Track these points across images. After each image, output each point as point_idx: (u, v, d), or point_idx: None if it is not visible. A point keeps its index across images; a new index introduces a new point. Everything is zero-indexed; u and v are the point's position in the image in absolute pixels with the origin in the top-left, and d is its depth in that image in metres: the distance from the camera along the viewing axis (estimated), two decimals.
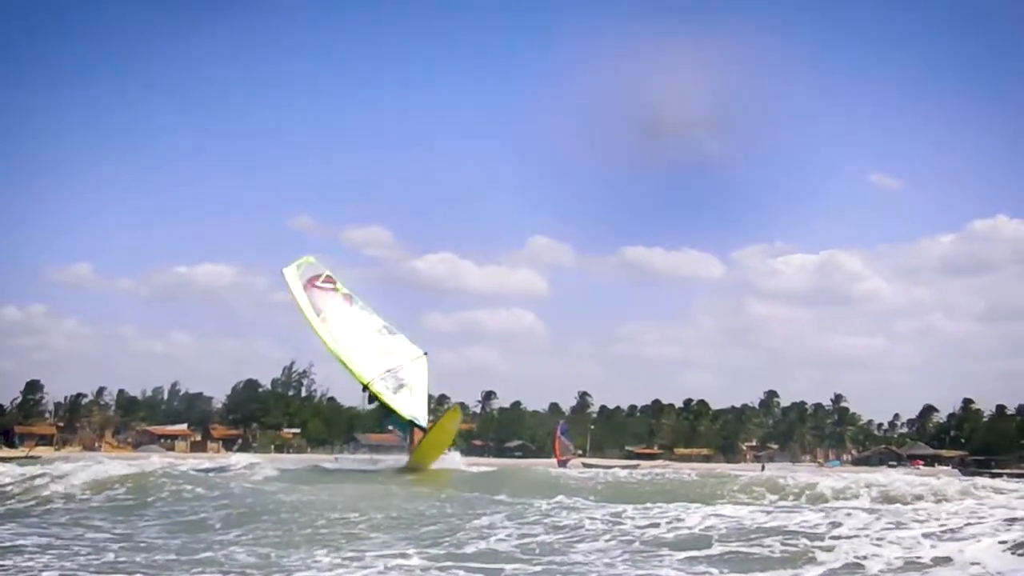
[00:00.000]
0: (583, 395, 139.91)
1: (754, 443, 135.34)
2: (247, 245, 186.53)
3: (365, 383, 29.34)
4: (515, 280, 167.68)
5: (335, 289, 33.28)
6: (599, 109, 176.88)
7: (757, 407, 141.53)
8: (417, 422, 31.44)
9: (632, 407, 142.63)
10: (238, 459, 31.28)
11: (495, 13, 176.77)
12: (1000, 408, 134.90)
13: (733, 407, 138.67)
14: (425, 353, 34.99)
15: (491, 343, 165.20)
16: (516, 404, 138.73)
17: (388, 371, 32.17)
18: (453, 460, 31.94)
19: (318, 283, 33.25)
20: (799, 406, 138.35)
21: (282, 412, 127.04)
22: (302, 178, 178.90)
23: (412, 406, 31.67)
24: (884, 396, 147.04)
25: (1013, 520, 13.58)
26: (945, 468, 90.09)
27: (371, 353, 32.43)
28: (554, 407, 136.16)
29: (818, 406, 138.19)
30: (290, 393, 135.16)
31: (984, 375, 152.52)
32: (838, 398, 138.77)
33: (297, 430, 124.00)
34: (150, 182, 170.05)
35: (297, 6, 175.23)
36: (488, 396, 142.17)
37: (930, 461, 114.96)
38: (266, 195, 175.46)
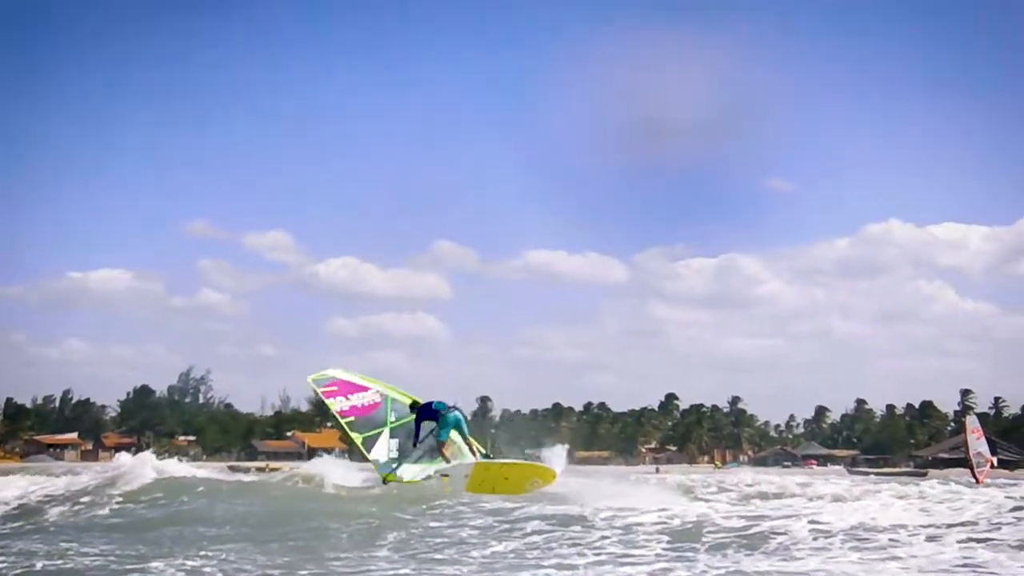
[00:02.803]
0: (484, 399, 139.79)
1: (653, 445, 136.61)
2: (143, 250, 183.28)
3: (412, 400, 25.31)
4: (419, 284, 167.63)
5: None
6: (502, 116, 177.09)
7: (657, 409, 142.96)
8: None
9: (534, 411, 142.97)
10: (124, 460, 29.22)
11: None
12: (890, 408, 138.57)
13: (633, 410, 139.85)
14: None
15: (395, 347, 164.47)
16: None
17: None
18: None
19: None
20: (697, 408, 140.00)
21: (177, 419, 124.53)
22: (200, 182, 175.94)
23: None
24: (782, 397, 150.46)
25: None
26: (837, 468, 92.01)
27: None
28: None
29: (715, 408, 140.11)
30: (187, 400, 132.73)
31: (877, 375, 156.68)
32: (735, 400, 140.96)
33: (192, 437, 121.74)
34: (44, 187, 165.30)
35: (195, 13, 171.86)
36: None
37: (823, 461, 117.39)
38: (163, 200, 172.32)
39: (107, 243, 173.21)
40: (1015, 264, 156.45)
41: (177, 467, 27.24)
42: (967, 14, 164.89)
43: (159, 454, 34.99)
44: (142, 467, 23.46)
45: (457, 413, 23.25)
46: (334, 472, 24.16)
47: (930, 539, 13.21)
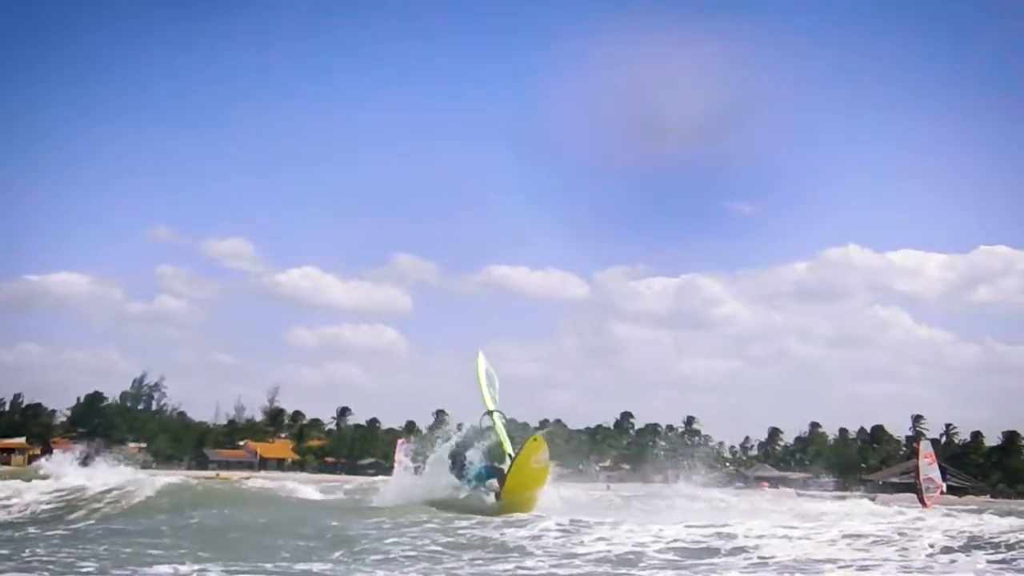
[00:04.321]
0: (440, 412, 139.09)
1: (607, 463, 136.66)
2: (102, 254, 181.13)
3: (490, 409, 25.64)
4: (379, 296, 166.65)
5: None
6: (464, 127, 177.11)
7: (612, 427, 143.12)
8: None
9: (489, 426, 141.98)
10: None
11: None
12: (843, 431, 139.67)
13: (588, 427, 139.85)
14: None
15: (353, 359, 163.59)
16: (372, 421, 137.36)
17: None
18: None
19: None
20: (653, 427, 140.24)
21: (128, 426, 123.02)
22: (161, 188, 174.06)
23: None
24: (737, 418, 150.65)
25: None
26: (788, 490, 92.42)
27: None
28: (411, 425, 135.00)
29: (671, 428, 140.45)
30: (139, 407, 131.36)
31: (832, 398, 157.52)
32: (690, 420, 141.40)
33: (143, 444, 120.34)
34: (2, 188, 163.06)
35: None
36: (343, 412, 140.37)
37: (776, 483, 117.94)
38: (124, 204, 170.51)
39: (65, 246, 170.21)
40: (970, 292, 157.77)
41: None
42: (920, 40, 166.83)
43: (109, 461, 34.47)
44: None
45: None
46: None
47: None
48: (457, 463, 23.47)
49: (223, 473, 72.63)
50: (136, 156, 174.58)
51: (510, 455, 23.46)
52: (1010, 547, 14.12)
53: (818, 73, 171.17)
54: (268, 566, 12.15)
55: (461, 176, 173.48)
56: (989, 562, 13.05)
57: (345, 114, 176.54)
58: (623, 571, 12.34)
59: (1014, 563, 12.90)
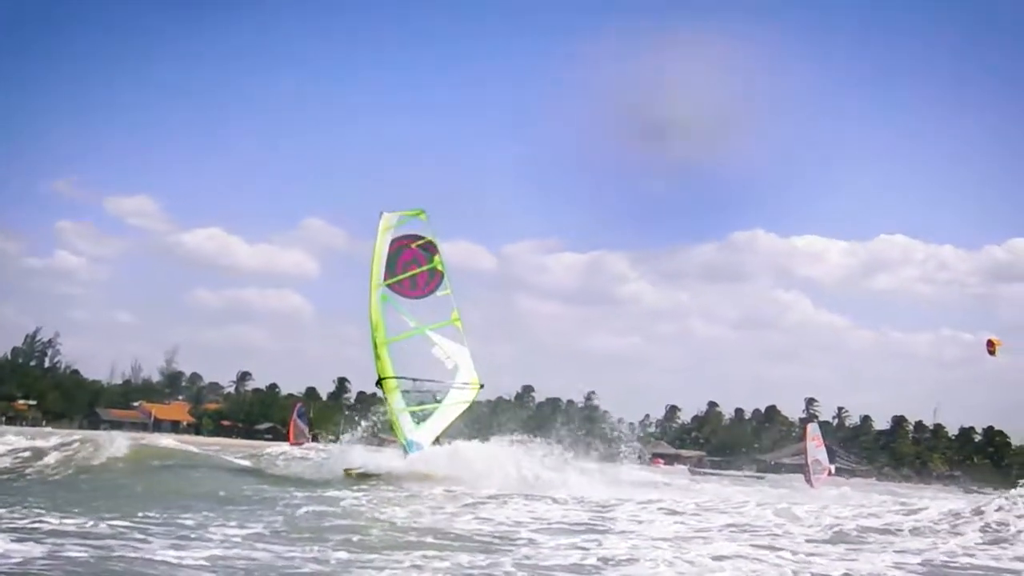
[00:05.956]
0: (342, 380, 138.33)
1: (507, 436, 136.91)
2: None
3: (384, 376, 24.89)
4: (286, 260, 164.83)
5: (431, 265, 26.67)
6: (376, 95, 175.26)
7: (513, 400, 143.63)
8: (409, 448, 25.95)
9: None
10: None
11: None
12: (739, 411, 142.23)
13: (488, 400, 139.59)
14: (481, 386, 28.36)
15: (256, 323, 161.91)
16: (272, 386, 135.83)
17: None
18: None
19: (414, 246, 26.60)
20: (554, 401, 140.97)
21: (18, 382, 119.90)
22: (64, 140, 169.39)
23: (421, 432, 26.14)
24: (639, 396, 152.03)
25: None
26: (682, 467, 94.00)
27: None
28: (311, 391, 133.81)
29: (571, 403, 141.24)
30: (31, 363, 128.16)
31: (731, 379, 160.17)
32: (590, 395, 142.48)
33: (33, 402, 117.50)
34: None
35: None
36: (243, 377, 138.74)
37: (671, 460, 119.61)
38: (23, 155, 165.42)
39: None
40: (869, 279, 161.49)
41: None
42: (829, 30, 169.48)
43: None
44: None
45: None
46: None
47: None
48: None
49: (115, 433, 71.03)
50: (38, 105, 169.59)
51: (404, 444, 23.77)
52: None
53: (733, 59, 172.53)
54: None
55: (373, 142, 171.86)
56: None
57: (257, 74, 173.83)
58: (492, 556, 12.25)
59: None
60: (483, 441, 26.57)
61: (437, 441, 25.49)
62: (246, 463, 30.36)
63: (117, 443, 24.55)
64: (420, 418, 25.37)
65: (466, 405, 26.45)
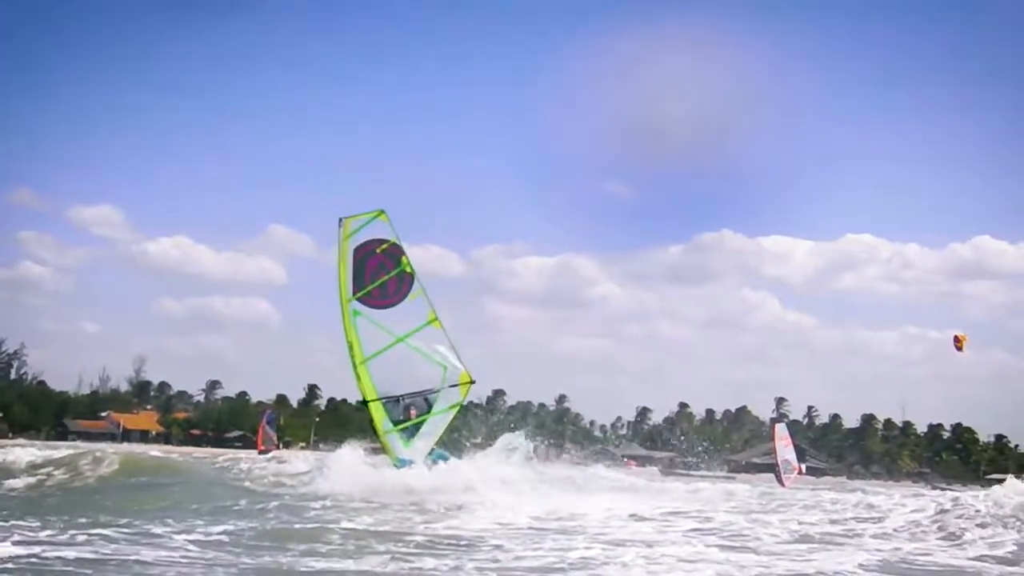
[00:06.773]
0: (312, 387, 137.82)
1: (478, 440, 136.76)
2: None
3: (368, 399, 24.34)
4: (252, 268, 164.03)
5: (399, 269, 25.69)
6: (343, 101, 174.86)
7: (484, 404, 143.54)
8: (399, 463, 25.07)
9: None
10: None
11: None
12: (709, 412, 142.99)
13: (460, 404, 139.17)
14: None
15: (224, 331, 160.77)
16: (242, 394, 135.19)
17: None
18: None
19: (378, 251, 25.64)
20: (525, 405, 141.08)
21: None
22: (24, 149, 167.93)
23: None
24: (609, 398, 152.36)
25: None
26: (654, 469, 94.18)
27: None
28: (281, 398, 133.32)
29: (542, 406, 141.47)
30: None
31: (701, 380, 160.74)
32: (561, 398, 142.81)
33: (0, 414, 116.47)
34: None
35: None
36: (213, 385, 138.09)
37: (643, 461, 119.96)
38: None
39: None
40: (835, 279, 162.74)
41: None
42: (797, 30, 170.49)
43: None
44: None
45: None
46: None
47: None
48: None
49: (82, 444, 70.42)
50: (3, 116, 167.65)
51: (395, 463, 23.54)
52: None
53: (697, 62, 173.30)
54: None
55: (335, 147, 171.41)
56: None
57: (219, 84, 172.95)
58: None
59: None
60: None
61: (431, 453, 24.83)
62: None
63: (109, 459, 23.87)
64: (410, 434, 24.73)
65: (458, 407, 25.96)
